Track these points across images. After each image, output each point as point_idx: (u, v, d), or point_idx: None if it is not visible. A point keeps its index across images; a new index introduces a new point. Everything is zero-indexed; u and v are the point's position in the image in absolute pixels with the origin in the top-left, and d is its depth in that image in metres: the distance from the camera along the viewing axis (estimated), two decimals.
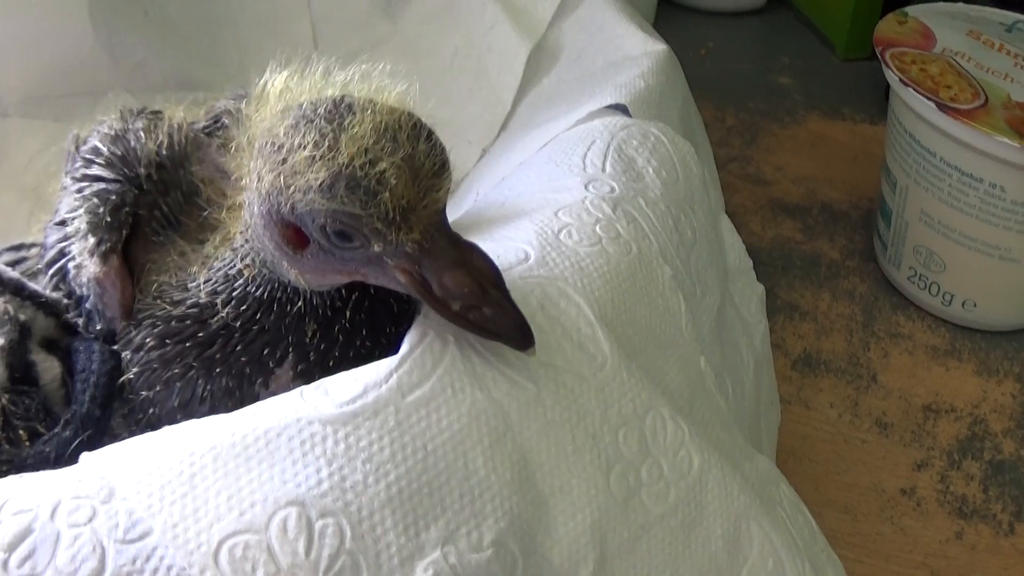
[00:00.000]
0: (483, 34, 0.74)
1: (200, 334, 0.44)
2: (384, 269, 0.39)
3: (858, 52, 1.12)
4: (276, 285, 0.44)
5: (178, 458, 0.38)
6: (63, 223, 0.51)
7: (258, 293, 0.44)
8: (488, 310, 0.38)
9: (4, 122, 0.82)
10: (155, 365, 0.45)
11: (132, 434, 0.44)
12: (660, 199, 0.55)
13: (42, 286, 0.53)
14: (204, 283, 0.45)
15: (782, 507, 0.51)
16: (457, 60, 0.75)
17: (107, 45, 0.80)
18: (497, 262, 0.46)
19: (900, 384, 0.79)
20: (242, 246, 0.44)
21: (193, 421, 0.41)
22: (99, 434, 0.47)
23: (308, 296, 0.44)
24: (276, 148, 0.38)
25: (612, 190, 0.53)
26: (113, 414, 0.48)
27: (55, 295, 0.52)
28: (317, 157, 0.37)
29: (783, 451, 0.69)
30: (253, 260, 0.44)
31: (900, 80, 0.75)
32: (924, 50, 0.79)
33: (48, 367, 0.50)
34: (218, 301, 0.44)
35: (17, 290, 0.51)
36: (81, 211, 0.48)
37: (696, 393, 0.51)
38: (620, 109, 0.60)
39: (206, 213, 0.47)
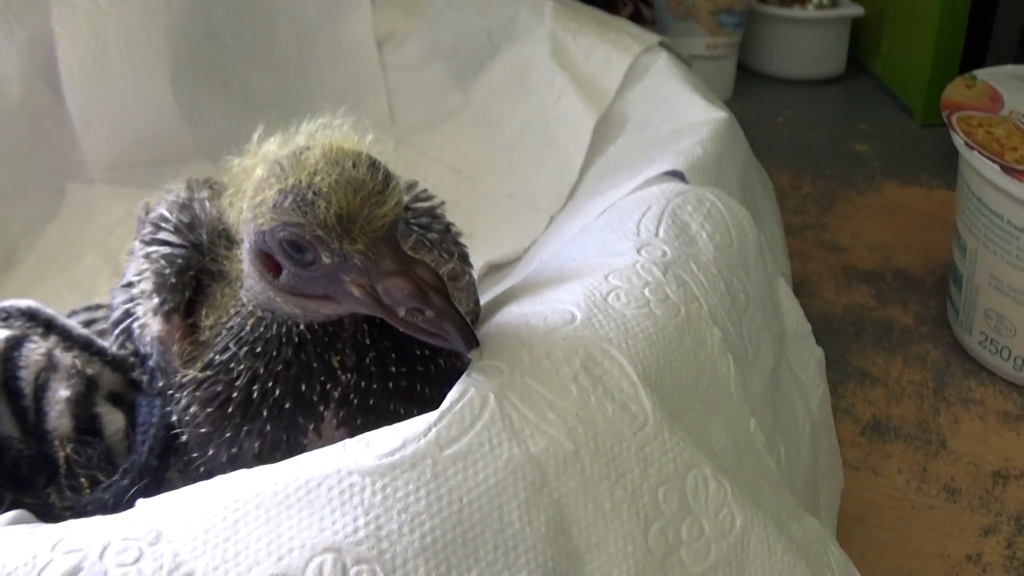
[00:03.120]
0: (551, 104, 0.76)
1: (234, 393, 0.46)
2: (344, 288, 0.43)
3: (935, 118, 1.11)
4: (281, 323, 0.46)
5: (223, 504, 0.40)
6: (130, 285, 0.54)
7: (268, 335, 0.46)
8: (430, 313, 0.41)
9: (90, 189, 0.88)
10: (203, 428, 0.47)
11: (186, 485, 0.47)
12: (712, 263, 0.55)
13: (109, 344, 0.57)
14: (218, 341, 0.48)
15: (830, 569, 0.50)
16: (527, 130, 0.78)
17: (188, 116, 0.85)
18: (544, 323, 0.48)
19: (970, 449, 0.77)
20: (242, 296, 0.47)
21: (241, 471, 0.43)
22: (155, 484, 0.50)
23: (317, 328, 0.46)
24: (252, 188, 0.44)
25: (664, 254, 0.54)
26: (170, 466, 0.51)
27: (121, 352, 0.55)
28: (272, 182, 0.42)
29: (849, 517, 0.68)
30: (253, 306, 0.47)
31: (966, 143, 0.75)
32: (991, 113, 0.79)
33: (112, 419, 0.53)
34: (238, 355, 0.46)
35: (86, 346, 0.55)
36: (148, 273, 0.51)
37: (744, 454, 0.51)
38: (677, 175, 0.61)
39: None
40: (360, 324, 0.46)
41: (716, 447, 0.49)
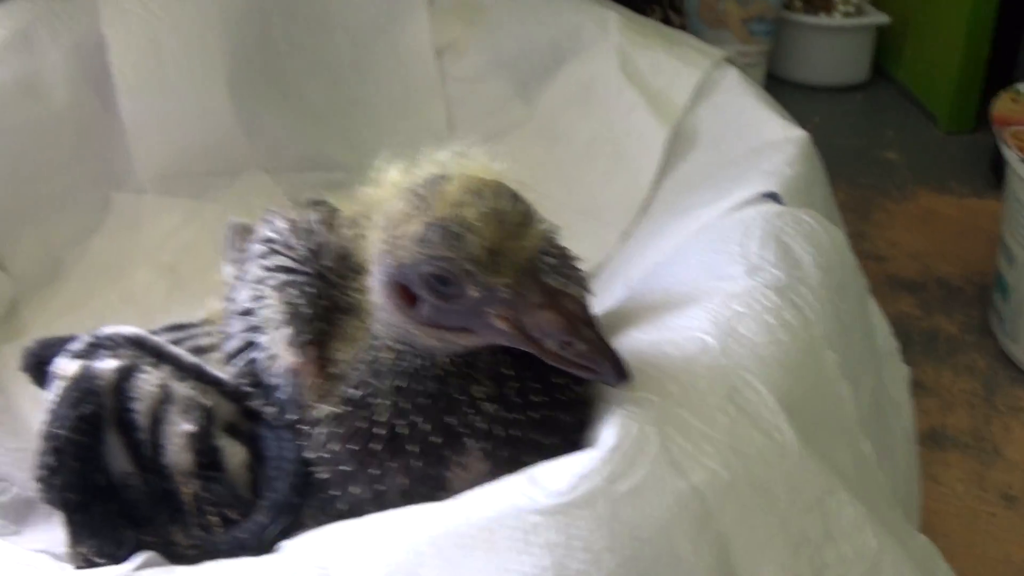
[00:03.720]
0: (620, 119, 0.77)
1: (377, 428, 0.45)
2: (486, 321, 0.43)
3: (960, 125, 1.13)
4: (419, 356, 0.45)
5: (399, 547, 0.40)
6: (248, 312, 0.52)
7: (408, 369, 0.45)
8: (582, 346, 0.41)
9: (140, 198, 0.86)
10: (345, 466, 0.46)
11: (319, 523, 0.46)
12: (820, 286, 0.56)
13: (223, 372, 0.55)
14: (353, 374, 0.47)
15: None
16: (595, 144, 0.78)
17: (245, 125, 0.84)
18: (680, 352, 0.49)
19: (1023, 457, 0.79)
20: (376, 329, 0.47)
21: (403, 510, 0.43)
22: (295, 523, 0.48)
23: (456, 360, 0.45)
24: (386, 219, 0.43)
25: (775, 278, 0.55)
26: (304, 504, 0.49)
27: (234, 381, 0.53)
28: (414, 214, 0.42)
29: None
30: (390, 339, 0.46)
31: (1020, 159, 0.77)
32: None
33: (234, 452, 0.51)
34: (379, 389, 0.46)
35: (200, 376, 0.53)
36: (273, 302, 0.50)
37: (863, 475, 0.52)
38: (772, 197, 0.62)
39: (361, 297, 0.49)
40: (497, 355, 0.46)
41: (843, 470, 0.50)
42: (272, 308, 0.51)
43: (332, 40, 0.85)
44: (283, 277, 0.51)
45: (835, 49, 1.23)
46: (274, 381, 0.50)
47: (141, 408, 0.50)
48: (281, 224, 0.55)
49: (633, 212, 0.74)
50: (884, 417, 0.60)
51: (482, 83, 0.84)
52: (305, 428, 0.49)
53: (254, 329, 0.51)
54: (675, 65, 0.75)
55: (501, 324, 0.42)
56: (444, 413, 0.45)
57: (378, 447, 0.45)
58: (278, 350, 0.49)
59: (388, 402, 0.45)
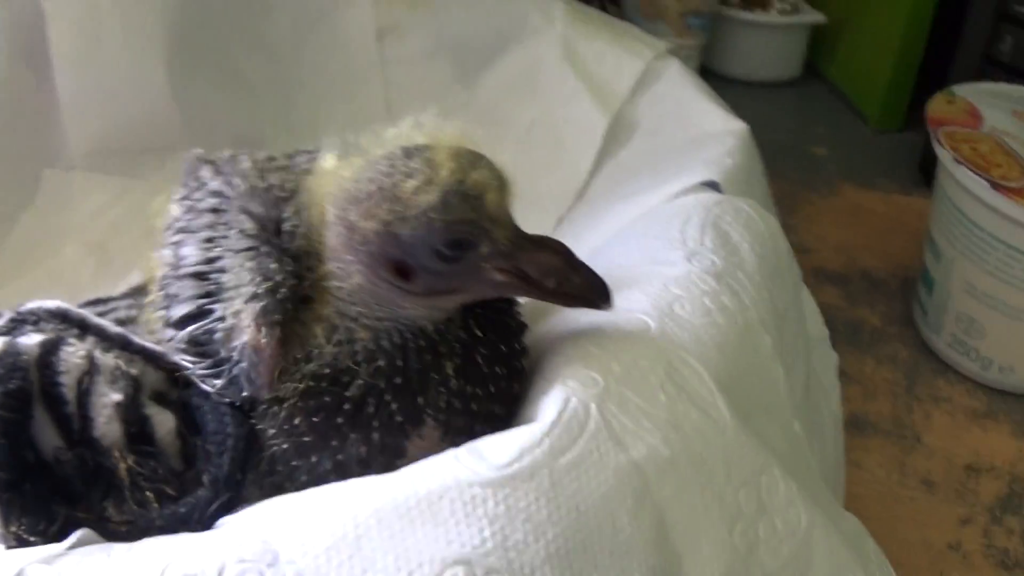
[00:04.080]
0: (561, 106, 0.77)
1: (346, 404, 0.45)
2: (481, 275, 0.44)
3: (890, 124, 1.17)
4: (401, 330, 0.46)
5: (341, 521, 0.40)
6: (201, 276, 0.50)
7: (386, 345, 0.46)
8: (577, 278, 0.45)
9: (69, 175, 0.84)
10: (307, 438, 0.46)
11: (263, 497, 0.46)
12: (756, 272, 0.57)
13: (147, 340, 0.53)
14: (332, 352, 0.46)
15: (871, 561, 0.54)
16: (535, 131, 0.79)
17: (181, 103, 0.83)
18: (620, 332, 0.50)
19: (943, 444, 0.82)
20: (349, 308, 0.46)
21: (345, 483, 0.43)
22: (235, 497, 0.48)
23: (432, 330, 0.46)
24: (367, 196, 0.43)
25: (713, 264, 0.56)
26: (246, 479, 0.48)
27: (163, 348, 0.52)
28: (422, 184, 0.42)
29: None
30: (367, 316, 0.46)
31: (954, 159, 0.79)
32: (973, 128, 0.83)
33: (162, 421, 0.50)
34: (351, 366, 0.46)
35: (125, 345, 0.52)
36: (239, 269, 0.48)
37: (795, 455, 0.54)
38: (712, 186, 0.63)
39: (315, 275, 0.48)
40: (468, 319, 0.47)
41: (776, 448, 0.52)
42: (236, 276, 0.48)
43: (272, 19, 0.84)
44: (245, 243, 0.49)
45: (769, 46, 1.25)
46: (227, 354, 0.48)
47: (67, 381, 0.48)
48: (240, 181, 0.53)
49: (571, 199, 0.75)
50: (814, 401, 0.62)
51: (423, 66, 0.84)
52: (259, 404, 0.48)
53: (208, 295, 0.49)
54: (618, 55, 0.76)
55: (500, 276, 0.44)
56: (413, 390, 0.46)
57: (343, 421, 0.46)
58: (241, 324, 0.47)
59: (361, 381, 0.46)
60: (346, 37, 0.84)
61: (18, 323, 0.51)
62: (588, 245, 0.65)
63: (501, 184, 0.45)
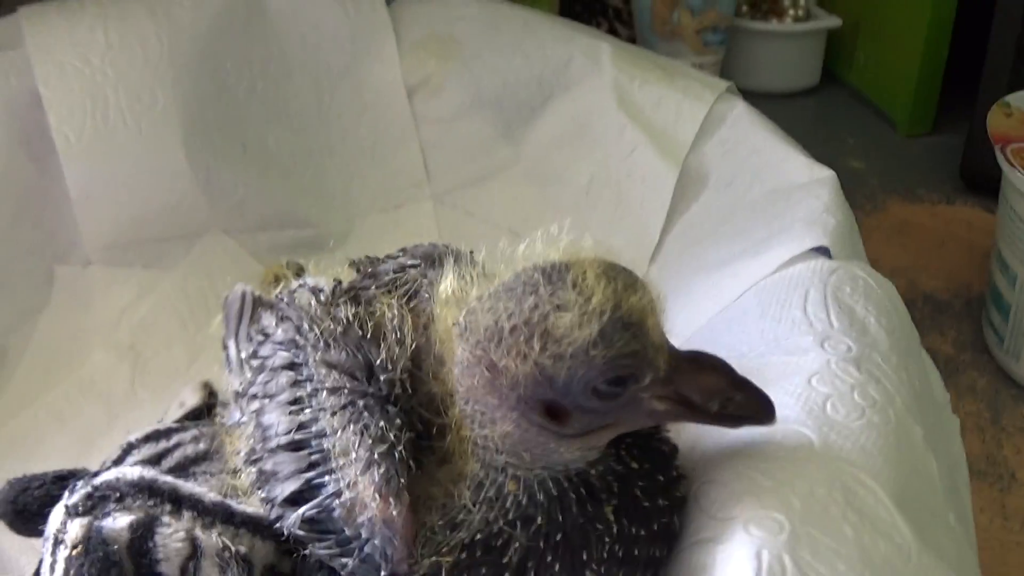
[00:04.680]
0: (622, 159, 0.71)
1: (504, 573, 0.40)
2: (638, 406, 0.40)
3: (920, 129, 1.12)
4: (556, 478, 0.41)
5: None
6: (297, 446, 0.44)
7: (541, 499, 0.40)
8: (741, 397, 0.40)
9: (86, 271, 0.77)
10: None
11: None
12: (890, 351, 0.53)
13: (248, 504, 0.47)
14: (481, 514, 0.41)
15: None
16: (594, 187, 0.72)
17: (204, 185, 0.75)
18: (781, 449, 0.45)
19: None
20: (495, 459, 0.41)
21: None
22: None
23: (588, 471, 0.41)
24: (512, 332, 0.38)
25: (849, 349, 0.51)
26: None
27: (263, 514, 0.45)
28: (577, 316, 0.37)
29: None
30: (516, 467, 0.40)
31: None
32: None
33: None
34: (503, 527, 0.40)
35: (227, 517, 0.45)
36: (343, 432, 0.42)
37: (957, 553, 0.49)
38: (821, 251, 0.58)
39: (441, 421, 0.42)
40: (618, 450, 0.43)
41: (945, 553, 0.47)
42: (341, 441, 0.42)
43: (293, 83, 0.77)
44: (339, 400, 0.43)
45: (786, 54, 1.20)
46: (352, 532, 0.42)
47: (168, 570, 0.42)
48: (309, 325, 0.47)
49: (645, 263, 0.69)
50: (954, 480, 0.57)
51: (461, 123, 0.77)
52: None
53: (312, 467, 0.43)
54: (677, 99, 0.70)
55: (660, 404, 0.40)
56: (575, 546, 0.41)
57: None
58: (363, 497, 0.41)
59: (517, 544, 0.40)
60: (374, 96, 0.78)
61: (98, 501, 0.44)
62: (681, 325, 0.60)
63: (656, 304, 0.40)
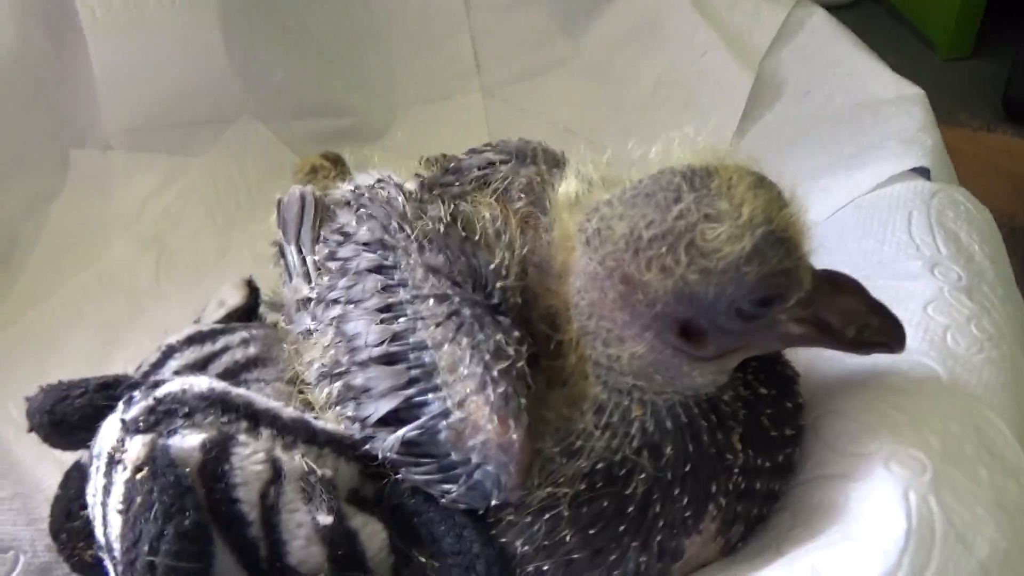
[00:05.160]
0: (693, 61, 0.67)
1: (630, 508, 0.37)
2: (774, 328, 0.37)
3: (962, 51, 1.08)
4: (685, 403, 0.37)
5: None
6: (393, 359, 0.39)
7: (669, 425, 0.37)
8: (876, 321, 0.37)
9: (105, 156, 0.72)
10: (578, 554, 0.37)
11: None
12: (996, 282, 0.51)
13: (327, 419, 0.42)
14: (604, 441, 0.37)
15: None
16: (661, 90, 0.68)
17: (239, 66, 0.69)
18: (910, 383, 0.42)
19: None
20: (621, 381, 0.37)
21: None
22: None
23: (717, 397, 0.38)
24: (652, 242, 0.34)
25: (960, 278, 0.49)
26: None
27: (347, 433, 0.41)
28: (729, 229, 0.34)
29: None
30: (644, 390, 0.37)
31: None
32: None
33: (371, 533, 0.39)
34: (628, 455, 0.37)
35: (310, 435, 0.40)
36: (459, 350, 0.37)
37: None
38: (919, 171, 0.55)
39: (558, 337, 0.38)
40: (745, 374, 0.40)
41: None
42: (449, 354, 0.38)
43: None
44: (445, 309, 0.39)
45: None
46: (461, 456, 0.38)
47: (247, 496, 0.37)
48: (399, 223, 0.42)
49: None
50: None
51: (516, 12, 0.71)
52: (504, 512, 0.38)
53: (412, 383, 0.39)
54: (755, 1, 0.66)
55: (797, 328, 0.37)
56: (705, 481, 0.38)
57: (623, 528, 0.37)
58: (477, 418, 0.37)
59: (643, 474, 0.37)
60: None
61: (162, 416, 0.39)
62: None
63: (802, 219, 0.36)
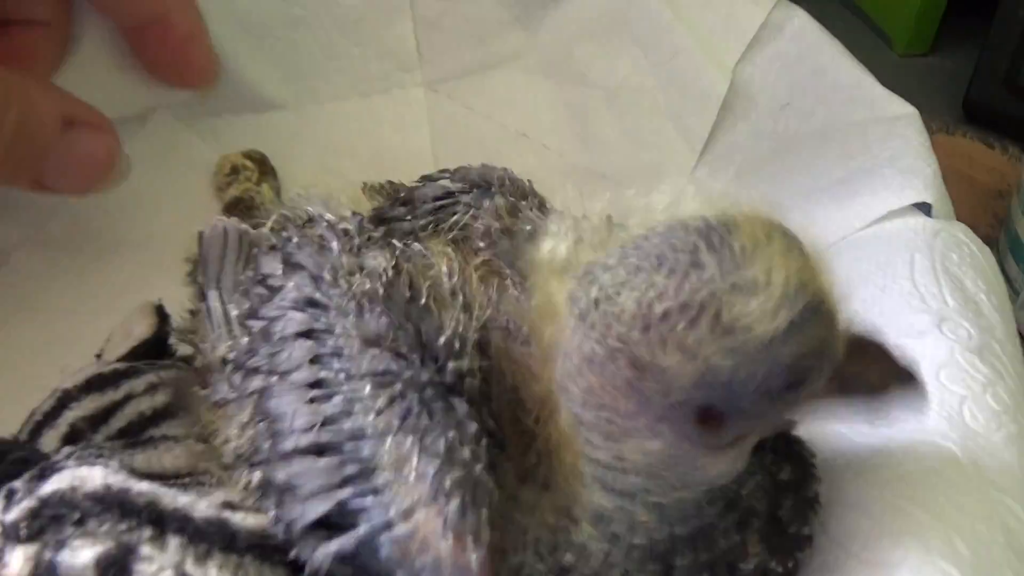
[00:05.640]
0: (662, 63, 0.60)
1: None
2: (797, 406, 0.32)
3: (919, 47, 1.04)
4: (698, 501, 0.32)
5: None
6: (322, 451, 0.33)
7: (680, 532, 0.32)
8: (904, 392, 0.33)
9: None
10: None
11: None
12: (1006, 339, 0.46)
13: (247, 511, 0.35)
14: (600, 551, 0.32)
15: None
16: (623, 94, 0.61)
17: None
18: (931, 471, 0.38)
19: None
20: (628, 483, 0.31)
21: None
22: None
23: (735, 491, 0.33)
24: (665, 318, 0.28)
25: (969, 336, 0.45)
26: None
27: (270, 530, 0.34)
28: (762, 302, 0.28)
29: None
30: (652, 492, 0.32)
31: None
32: None
33: None
34: (627, 570, 0.32)
35: (228, 541, 0.34)
36: (404, 444, 0.31)
37: None
38: (921, 208, 0.50)
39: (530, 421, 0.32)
40: (762, 459, 0.34)
41: None
42: (392, 449, 0.31)
43: None
44: (386, 393, 0.32)
45: None
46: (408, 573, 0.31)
47: None
48: (331, 276, 0.36)
49: (680, 183, 0.59)
50: None
51: (465, 0, 0.64)
52: None
53: (348, 482, 0.32)
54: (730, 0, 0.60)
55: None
56: None
57: None
58: (425, 533, 0.30)
59: None
60: None
61: (48, 522, 0.32)
62: None
63: (835, 284, 0.31)
